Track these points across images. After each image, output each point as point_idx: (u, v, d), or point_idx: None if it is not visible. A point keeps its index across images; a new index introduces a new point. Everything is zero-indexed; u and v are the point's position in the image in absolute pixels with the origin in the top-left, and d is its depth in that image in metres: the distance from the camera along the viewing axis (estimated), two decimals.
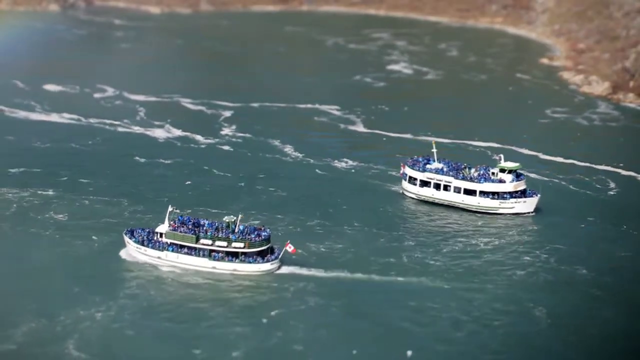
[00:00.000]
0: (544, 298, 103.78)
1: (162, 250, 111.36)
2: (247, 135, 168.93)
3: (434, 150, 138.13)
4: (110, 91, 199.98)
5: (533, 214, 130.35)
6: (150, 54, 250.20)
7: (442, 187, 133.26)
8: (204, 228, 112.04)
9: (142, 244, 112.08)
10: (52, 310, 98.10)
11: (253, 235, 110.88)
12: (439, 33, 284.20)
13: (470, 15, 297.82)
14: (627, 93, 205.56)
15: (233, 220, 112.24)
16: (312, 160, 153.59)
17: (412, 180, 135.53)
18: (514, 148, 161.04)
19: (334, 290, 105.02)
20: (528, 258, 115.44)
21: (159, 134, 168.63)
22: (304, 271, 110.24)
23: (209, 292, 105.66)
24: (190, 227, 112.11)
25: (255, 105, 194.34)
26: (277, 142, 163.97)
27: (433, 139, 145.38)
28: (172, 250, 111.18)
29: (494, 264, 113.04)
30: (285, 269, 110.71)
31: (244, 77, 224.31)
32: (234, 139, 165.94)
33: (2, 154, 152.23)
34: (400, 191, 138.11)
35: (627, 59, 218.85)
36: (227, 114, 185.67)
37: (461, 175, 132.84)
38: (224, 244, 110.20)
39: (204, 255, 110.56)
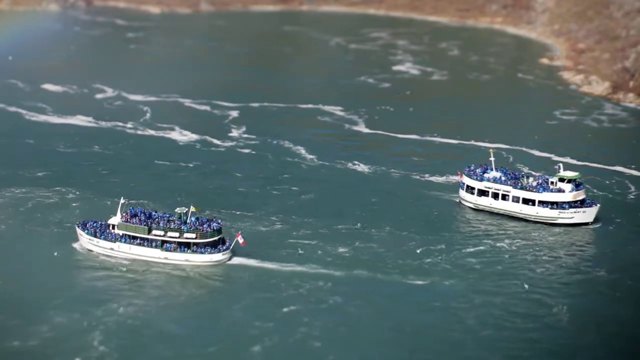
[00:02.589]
0: (567, 298, 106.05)
1: (115, 242, 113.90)
2: (258, 136, 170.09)
3: (492, 159, 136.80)
4: (121, 93, 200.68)
5: (593, 224, 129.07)
6: (155, 54, 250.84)
7: (500, 196, 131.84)
8: (156, 219, 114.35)
9: (95, 236, 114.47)
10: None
11: (205, 226, 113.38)
12: (439, 32, 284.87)
13: (470, 15, 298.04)
14: (627, 93, 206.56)
15: (185, 211, 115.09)
16: (327, 163, 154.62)
17: (469, 189, 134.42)
18: (523, 149, 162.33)
19: (353, 290, 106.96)
20: (551, 259, 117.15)
21: (175, 136, 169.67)
22: (253, 262, 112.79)
23: (221, 287, 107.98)
24: (142, 218, 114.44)
25: (262, 105, 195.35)
26: (289, 144, 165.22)
27: (490, 148, 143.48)
28: (125, 242, 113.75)
29: (520, 267, 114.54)
30: (236, 260, 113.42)
31: (248, 77, 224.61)
32: (246, 141, 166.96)
33: (25, 156, 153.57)
34: (457, 200, 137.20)
35: (627, 59, 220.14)
36: (234, 114, 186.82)
37: (519, 184, 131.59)
38: (176, 234, 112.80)
39: (156, 246, 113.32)
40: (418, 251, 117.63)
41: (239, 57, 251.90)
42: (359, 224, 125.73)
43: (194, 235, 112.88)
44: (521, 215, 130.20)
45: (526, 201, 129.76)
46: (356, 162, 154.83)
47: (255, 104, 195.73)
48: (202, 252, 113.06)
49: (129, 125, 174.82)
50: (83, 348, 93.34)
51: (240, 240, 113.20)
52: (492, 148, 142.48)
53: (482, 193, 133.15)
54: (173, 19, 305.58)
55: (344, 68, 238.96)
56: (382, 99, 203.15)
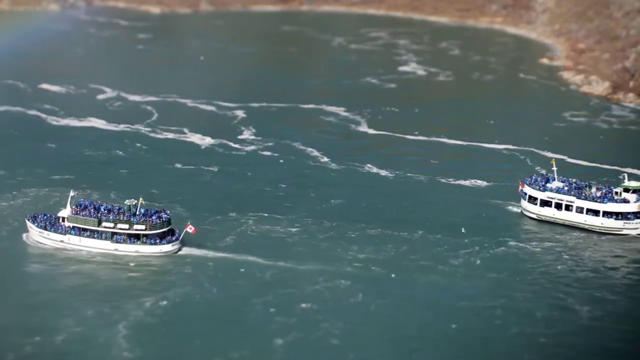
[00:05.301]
0: (589, 299, 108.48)
1: (65, 234, 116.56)
2: (270, 138, 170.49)
3: (554, 168, 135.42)
4: (128, 95, 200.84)
5: None
6: (157, 55, 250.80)
7: (563, 206, 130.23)
8: (105, 211, 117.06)
9: (45, 229, 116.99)
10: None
11: (154, 218, 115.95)
12: (439, 32, 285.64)
13: (470, 15, 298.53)
14: (627, 93, 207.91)
15: (134, 203, 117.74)
16: (344, 166, 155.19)
17: (532, 199, 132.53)
18: (534, 150, 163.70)
19: (376, 289, 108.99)
20: (580, 264, 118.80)
21: (187, 138, 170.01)
22: (204, 252, 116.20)
23: (240, 283, 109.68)
24: (92, 211, 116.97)
25: (267, 106, 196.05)
26: (301, 146, 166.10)
27: (552, 158, 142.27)
28: (75, 234, 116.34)
29: (547, 270, 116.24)
30: (186, 250, 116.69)
31: (251, 78, 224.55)
32: (258, 143, 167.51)
33: (46, 158, 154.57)
34: (519, 210, 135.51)
35: (627, 59, 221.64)
36: (241, 115, 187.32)
37: (583, 194, 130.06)
38: (126, 226, 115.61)
39: (106, 238, 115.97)
40: (448, 254, 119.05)
41: (241, 57, 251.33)
42: (390, 229, 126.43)
43: (143, 227, 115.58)
44: (585, 226, 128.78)
45: (590, 212, 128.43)
46: (374, 165, 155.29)
47: (260, 104, 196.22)
48: (151, 243, 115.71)
49: (140, 128, 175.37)
50: (105, 345, 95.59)
51: (190, 229, 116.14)
52: (554, 158, 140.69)
53: (545, 203, 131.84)
54: (173, 19, 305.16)
55: (347, 68, 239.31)
56: (390, 100, 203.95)
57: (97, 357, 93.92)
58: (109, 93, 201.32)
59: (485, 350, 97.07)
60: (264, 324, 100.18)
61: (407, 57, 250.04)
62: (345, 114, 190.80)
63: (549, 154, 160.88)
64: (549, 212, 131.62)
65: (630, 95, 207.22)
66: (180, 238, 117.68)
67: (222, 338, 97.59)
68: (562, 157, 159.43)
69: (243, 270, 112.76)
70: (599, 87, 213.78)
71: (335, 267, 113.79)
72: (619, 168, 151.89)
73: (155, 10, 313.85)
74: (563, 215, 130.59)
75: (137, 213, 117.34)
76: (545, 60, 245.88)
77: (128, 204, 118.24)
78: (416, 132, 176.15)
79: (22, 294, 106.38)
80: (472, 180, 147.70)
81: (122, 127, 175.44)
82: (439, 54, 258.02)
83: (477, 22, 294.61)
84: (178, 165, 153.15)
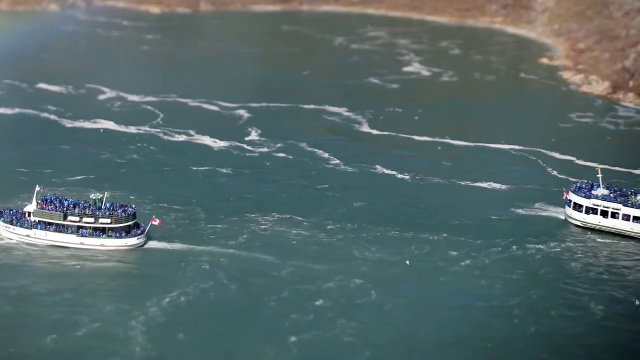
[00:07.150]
0: (603, 299, 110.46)
1: (31, 229, 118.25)
2: (278, 140, 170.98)
3: (600, 176, 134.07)
4: (130, 96, 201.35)
5: None
6: (160, 55, 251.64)
7: (609, 214, 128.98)
8: (71, 206, 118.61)
9: (11, 224, 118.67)
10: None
11: (119, 212, 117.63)
12: (438, 32, 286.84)
13: (470, 15, 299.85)
14: (627, 93, 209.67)
15: (100, 197, 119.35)
16: (357, 168, 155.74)
17: (577, 206, 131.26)
18: (542, 151, 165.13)
19: (393, 290, 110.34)
20: (598, 266, 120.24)
21: (196, 140, 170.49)
22: (168, 246, 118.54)
23: (259, 282, 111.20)
24: (57, 205, 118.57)
25: (272, 106, 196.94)
26: (311, 148, 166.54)
27: (598, 166, 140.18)
28: (41, 228, 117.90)
29: (561, 273, 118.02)
30: (152, 244, 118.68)
31: (253, 78, 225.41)
32: (267, 145, 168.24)
33: (63, 160, 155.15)
34: (564, 217, 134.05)
35: (627, 59, 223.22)
36: (246, 115, 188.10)
37: (629, 202, 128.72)
38: (92, 220, 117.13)
39: (72, 232, 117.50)
40: (468, 256, 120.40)
41: (242, 57, 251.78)
42: (412, 231, 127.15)
43: (109, 221, 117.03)
44: (632, 234, 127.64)
45: (637, 219, 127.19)
46: (387, 167, 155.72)
47: (261, 105, 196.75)
48: (117, 237, 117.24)
49: (150, 130, 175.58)
50: (125, 342, 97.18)
51: (156, 222, 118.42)
52: (601, 167, 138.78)
53: (591, 211, 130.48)
54: (173, 19, 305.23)
55: (349, 68, 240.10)
56: (395, 101, 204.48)
57: (116, 353, 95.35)
58: (118, 95, 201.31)
59: (502, 350, 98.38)
60: (279, 321, 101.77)
61: (409, 58, 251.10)
62: (348, 114, 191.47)
63: (558, 155, 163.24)
64: (595, 220, 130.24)
65: (630, 95, 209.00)
66: (146, 232, 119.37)
67: (238, 335, 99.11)
68: (571, 158, 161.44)
69: (260, 268, 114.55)
70: (599, 87, 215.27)
71: (353, 267, 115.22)
72: (629, 170, 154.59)
73: (155, 10, 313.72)
74: (609, 223, 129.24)
75: (103, 207, 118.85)
76: (545, 60, 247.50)
77: (94, 198, 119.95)
78: (422, 133, 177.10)
79: (31, 291, 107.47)
80: (489, 183, 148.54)
81: (132, 129, 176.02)
82: (440, 53, 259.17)
83: (477, 22, 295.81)
84: (193, 168, 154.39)
